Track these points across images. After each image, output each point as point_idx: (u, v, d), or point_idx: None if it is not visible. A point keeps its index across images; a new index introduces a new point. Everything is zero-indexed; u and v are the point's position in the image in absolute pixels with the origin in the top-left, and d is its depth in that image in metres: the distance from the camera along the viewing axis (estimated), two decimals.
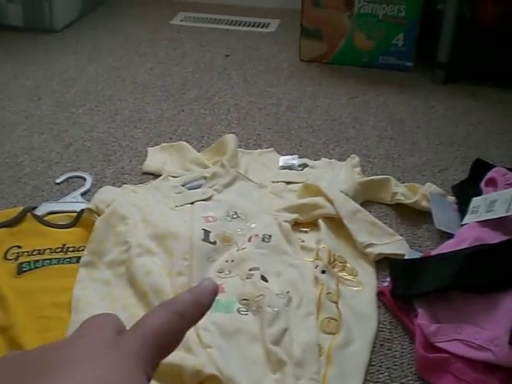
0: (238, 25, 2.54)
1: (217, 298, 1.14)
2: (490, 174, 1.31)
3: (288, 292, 1.08)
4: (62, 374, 0.30)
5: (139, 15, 2.61)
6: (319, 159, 1.53)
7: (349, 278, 1.15)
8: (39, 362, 0.32)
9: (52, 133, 1.66)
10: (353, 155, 1.52)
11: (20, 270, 1.13)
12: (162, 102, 1.85)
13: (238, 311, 1.04)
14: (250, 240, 1.20)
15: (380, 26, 2.04)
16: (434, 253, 1.17)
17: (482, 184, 1.31)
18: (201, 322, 1.06)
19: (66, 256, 1.17)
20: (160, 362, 0.35)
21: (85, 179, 1.44)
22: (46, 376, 0.30)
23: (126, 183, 1.42)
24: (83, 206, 1.29)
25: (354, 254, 1.21)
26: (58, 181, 1.44)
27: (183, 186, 1.37)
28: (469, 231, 1.19)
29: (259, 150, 1.57)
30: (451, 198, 1.37)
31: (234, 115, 1.78)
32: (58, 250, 1.18)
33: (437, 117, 1.80)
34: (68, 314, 1.05)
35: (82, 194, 1.39)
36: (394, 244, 1.23)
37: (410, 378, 0.99)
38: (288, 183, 1.41)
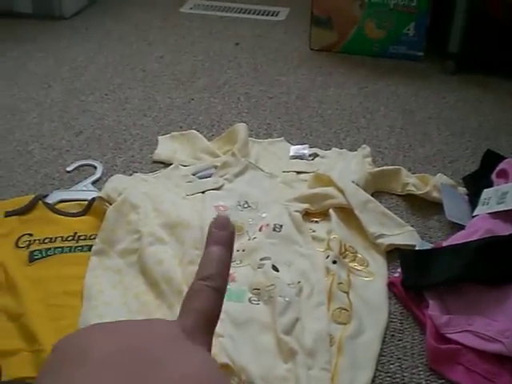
0: (248, 13, 2.53)
1: (228, 287, 1.14)
2: (501, 166, 1.30)
3: (299, 282, 1.08)
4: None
5: (148, 3, 2.61)
6: (330, 149, 1.53)
7: (360, 268, 1.15)
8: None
9: (62, 120, 1.66)
10: (364, 145, 1.51)
11: (32, 258, 1.14)
12: (172, 90, 1.85)
13: (250, 300, 1.05)
14: (260, 230, 1.20)
15: (391, 15, 2.03)
16: (444, 244, 1.17)
17: (493, 175, 1.30)
18: None
19: (77, 244, 1.18)
20: None
21: (95, 167, 1.45)
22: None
23: (136, 172, 1.42)
24: (94, 194, 1.29)
25: (364, 245, 1.21)
26: (69, 169, 1.44)
27: (194, 175, 1.37)
28: (480, 223, 1.19)
29: (270, 140, 1.57)
30: (462, 189, 1.37)
31: (244, 104, 1.77)
32: (69, 239, 1.19)
33: (447, 107, 1.80)
34: (80, 302, 1.05)
35: (93, 183, 1.39)
36: (404, 235, 1.23)
37: (420, 369, 0.99)
38: (299, 173, 1.41)
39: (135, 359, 0.31)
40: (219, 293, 0.37)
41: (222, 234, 0.38)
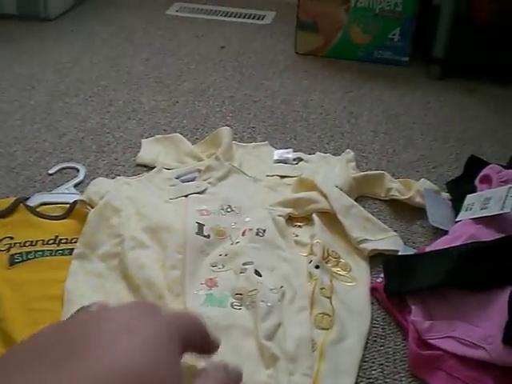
0: (234, 16, 2.52)
1: (210, 292, 1.14)
2: (484, 171, 1.30)
3: (282, 287, 1.07)
4: (100, 347, 0.31)
5: (134, 5, 2.60)
6: (314, 153, 1.53)
7: (342, 273, 1.15)
8: (78, 335, 0.32)
9: (45, 123, 1.65)
10: (348, 150, 1.51)
11: (12, 262, 1.12)
12: (157, 93, 1.84)
13: (232, 306, 1.04)
14: (243, 234, 1.20)
15: (376, 20, 2.04)
16: (428, 249, 1.17)
17: (477, 181, 1.30)
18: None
19: (58, 248, 1.17)
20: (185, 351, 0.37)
21: (78, 170, 1.43)
22: (86, 349, 0.31)
23: (119, 175, 1.41)
24: (76, 197, 1.28)
25: (347, 250, 1.21)
26: (51, 171, 1.43)
27: (177, 178, 1.36)
28: (463, 228, 1.19)
29: (254, 144, 1.56)
30: (445, 195, 1.37)
31: (228, 107, 1.77)
32: (50, 242, 1.18)
33: (432, 112, 1.80)
34: (60, 307, 1.04)
35: (75, 186, 1.38)
36: (387, 240, 1.23)
37: (402, 375, 0.98)
38: (282, 177, 1.41)
39: (63, 337, 0.32)
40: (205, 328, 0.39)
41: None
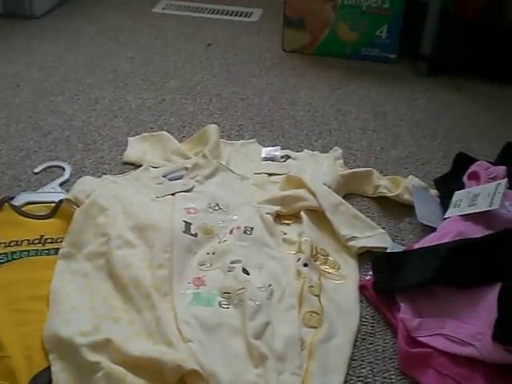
0: (221, 14, 2.51)
1: (198, 291, 1.13)
2: (472, 168, 1.30)
3: (270, 285, 1.06)
4: None
5: (120, 3, 2.58)
6: (302, 151, 1.52)
7: (331, 271, 1.14)
8: None
9: (30, 121, 1.63)
10: (335, 147, 1.51)
11: None
12: (143, 91, 1.83)
13: (220, 304, 1.03)
14: (231, 232, 1.19)
15: (364, 17, 2.03)
16: (416, 246, 1.17)
17: (465, 178, 1.30)
18: (182, 316, 1.04)
19: (43, 248, 1.15)
20: None
21: (64, 169, 1.42)
22: None
23: (105, 173, 1.39)
24: (62, 196, 1.27)
25: (336, 247, 1.20)
26: (37, 170, 1.42)
27: (164, 176, 1.35)
28: (451, 225, 1.18)
29: (241, 141, 1.55)
30: (433, 192, 1.37)
31: (216, 105, 1.76)
32: (35, 242, 1.16)
33: (420, 109, 1.80)
34: (46, 307, 1.02)
35: (61, 184, 1.36)
36: (376, 237, 1.23)
37: (392, 373, 0.98)
38: (270, 175, 1.40)
39: None
40: None
41: None
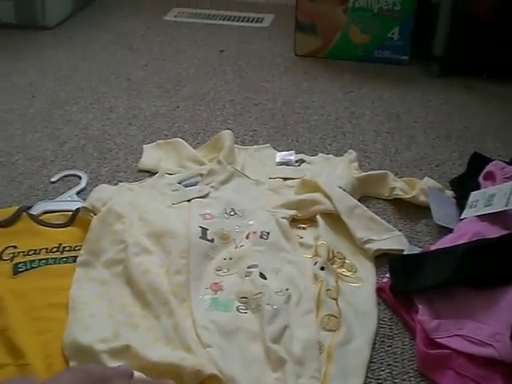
0: (232, 20, 2.52)
1: (216, 296, 1.13)
2: (488, 168, 1.30)
3: (287, 289, 1.07)
4: None
5: (132, 11, 2.60)
6: (316, 155, 1.52)
7: (348, 274, 1.14)
8: None
9: (46, 131, 1.64)
10: (350, 150, 1.51)
11: (16, 271, 1.12)
12: (157, 98, 1.84)
13: (238, 309, 1.03)
14: (247, 237, 1.19)
15: (375, 19, 2.03)
16: (433, 248, 1.16)
17: (481, 178, 1.30)
18: (200, 321, 1.05)
19: (62, 256, 1.16)
20: None
21: (80, 178, 1.43)
22: None
23: (121, 181, 1.40)
24: (79, 204, 1.28)
25: (352, 250, 1.20)
26: (53, 179, 1.43)
27: (179, 183, 1.36)
28: (468, 226, 1.18)
29: (256, 146, 1.56)
30: (449, 193, 1.37)
31: (229, 111, 1.76)
32: (53, 250, 1.17)
33: (433, 111, 1.80)
34: (65, 315, 1.03)
35: (78, 193, 1.37)
36: (392, 239, 1.22)
37: (411, 375, 0.98)
38: (285, 179, 1.40)
39: None
40: None
41: None
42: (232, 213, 1.26)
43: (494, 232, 1.12)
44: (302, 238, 1.22)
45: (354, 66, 2.08)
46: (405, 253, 1.18)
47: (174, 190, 1.33)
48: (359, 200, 1.32)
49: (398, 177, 1.42)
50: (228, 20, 2.52)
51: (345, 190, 1.30)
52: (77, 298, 1.06)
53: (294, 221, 1.26)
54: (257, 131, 1.65)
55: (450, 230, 1.22)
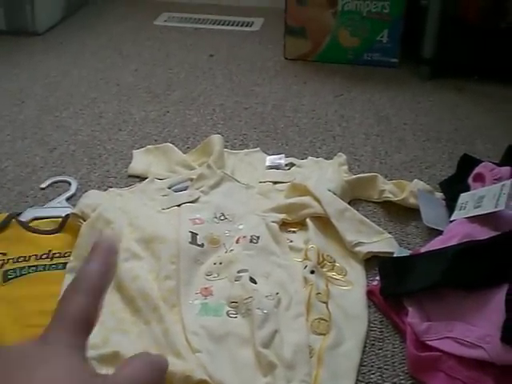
0: (222, 24, 2.53)
1: (206, 301, 1.13)
2: (477, 170, 1.30)
3: (277, 293, 1.07)
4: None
5: (122, 16, 2.60)
6: (306, 158, 1.52)
7: (338, 277, 1.14)
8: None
9: (36, 137, 1.64)
10: (340, 153, 1.51)
11: (5, 278, 1.12)
12: (147, 103, 1.84)
13: (228, 314, 1.03)
14: (237, 241, 1.19)
15: (364, 22, 2.04)
16: (423, 250, 1.17)
17: (470, 179, 1.30)
18: (190, 327, 1.04)
19: (51, 262, 1.16)
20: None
21: (70, 183, 1.43)
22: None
23: (111, 187, 1.40)
24: (68, 211, 1.28)
25: (342, 253, 1.20)
26: (43, 186, 1.42)
27: (169, 188, 1.36)
28: (457, 227, 1.18)
29: (246, 150, 1.56)
30: (439, 195, 1.37)
31: (219, 115, 1.76)
32: (43, 257, 1.17)
33: (423, 113, 1.80)
34: None
35: (68, 199, 1.37)
36: (382, 242, 1.23)
37: (401, 378, 0.98)
38: (275, 183, 1.40)
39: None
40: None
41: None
42: (222, 217, 1.26)
43: (483, 233, 1.12)
44: (291, 241, 1.22)
45: (343, 69, 2.08)
46: (395, 255, 1.18)
47: (163, 195, 1.33)
48: (349, 203, 1.32)
49: (388, 179, 1.42)
50: (218, 24, 2.52)
51: (335, 193, 1.30)
52: None
53: (284, 224, 1.26)
54: (247, 135, 1.65)
55: (440, 232, 1.22)
